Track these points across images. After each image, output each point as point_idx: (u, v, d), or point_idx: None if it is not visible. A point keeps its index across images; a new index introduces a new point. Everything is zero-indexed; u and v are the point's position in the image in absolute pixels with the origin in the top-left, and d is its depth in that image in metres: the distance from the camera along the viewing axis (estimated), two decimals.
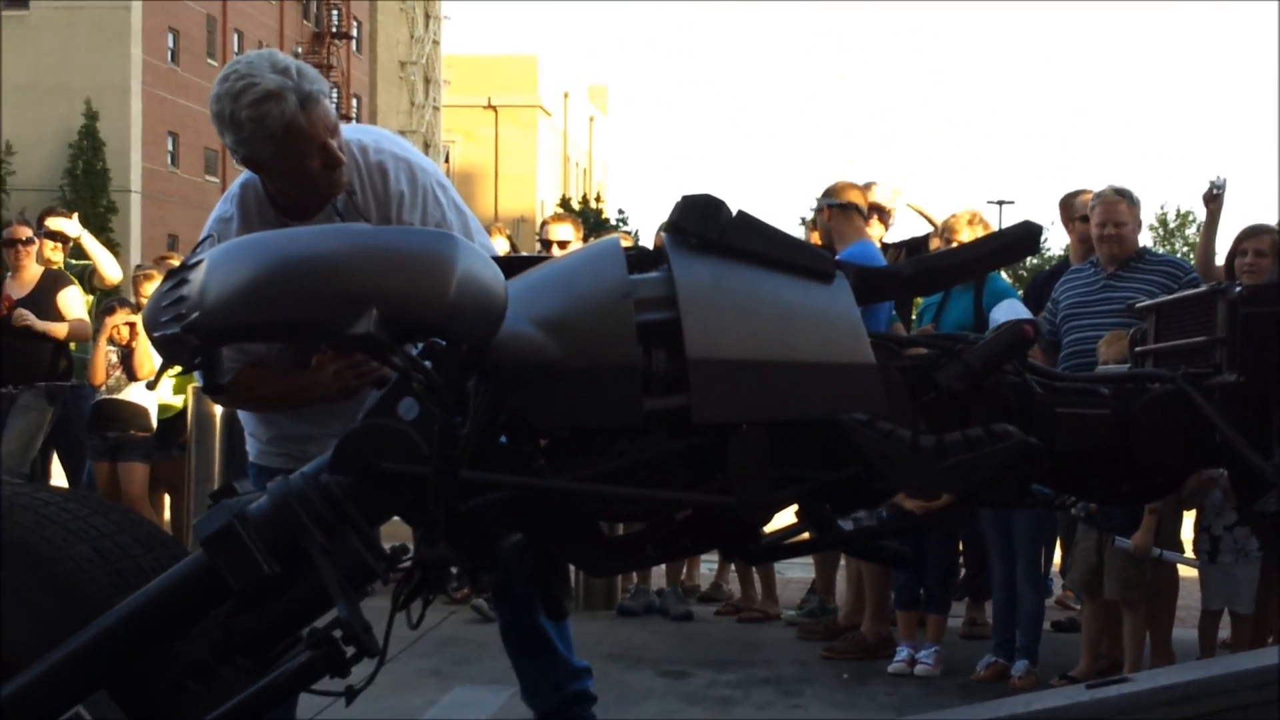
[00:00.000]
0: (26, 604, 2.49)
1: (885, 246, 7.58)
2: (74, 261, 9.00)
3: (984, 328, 5.94)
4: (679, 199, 2.68)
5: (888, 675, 6.14)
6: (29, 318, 8.17)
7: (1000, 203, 41.84)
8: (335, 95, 56.01)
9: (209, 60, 47.85)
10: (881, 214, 7.48)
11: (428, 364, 2.48)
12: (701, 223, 2.65)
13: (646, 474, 2.61)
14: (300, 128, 3.32)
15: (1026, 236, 2.82)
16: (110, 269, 8.99)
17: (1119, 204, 6.17)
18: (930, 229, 7.88)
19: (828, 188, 6.92)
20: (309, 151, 3.37)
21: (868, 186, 7.34)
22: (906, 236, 8.13)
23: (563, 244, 7.68)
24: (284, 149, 3.36)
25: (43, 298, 8.38)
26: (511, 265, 2.77)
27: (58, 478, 9.09)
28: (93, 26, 43.92)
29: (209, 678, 2.45)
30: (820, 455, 2.61)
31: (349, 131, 3.64)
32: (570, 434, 2.64)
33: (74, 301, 8.47)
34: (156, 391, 8.09)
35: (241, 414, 3.92)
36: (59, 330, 8.32)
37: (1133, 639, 5.67)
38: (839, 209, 6.75)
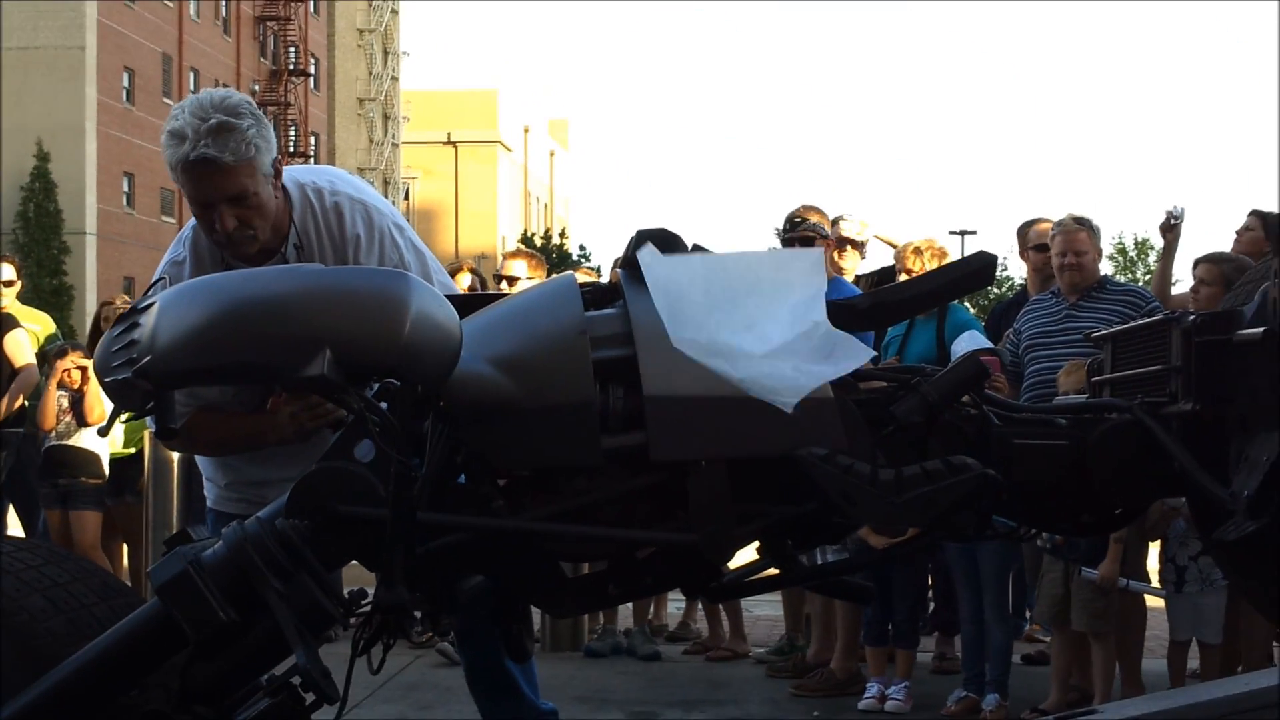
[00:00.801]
0: None
1: (858, 279, 7.56)
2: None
3: (946, 360, 5.94)
4: (633, 233, 2.68)
5: (858, 712, 6.12)
6: None
7: (963, 233, 41.96)
8: (293, 133, 55.97)
9: (164, 99, 47.66)
10: (855, 245, 7.45)
11: (383, 405, 2.46)
12: None
13: (607, 512, 2.60)
14: (202, 172, 3.28)
15: (982, 267, 2.82)
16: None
17: (1079, 233, 6.19)
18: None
19: (791, 216, 6.85)
20: (212, 202, 3.34)
21: (837, 220, 7.30)
22: (876, 268, 8.11)
23: (514, 281, 7.67)
24: (188, 193, 3.34)
25: None
26: (468, 303, 2.76)
27: (13, 527, 8.98)
28: (47, 67, 43.75)
29: None
30: (780, 490, 2.60)
31: (304, 173, 3.62)
32: (529, 473, 2.62)
33: (21, 345, 8.35)
34: (108, 438, 8.00)
35: (199, 459, 3.89)
36: (12, 398, 8.21)
37: (1102, 670, 5.67)
38: (806, 241, 6.66)
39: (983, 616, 6.06)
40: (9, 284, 8.66)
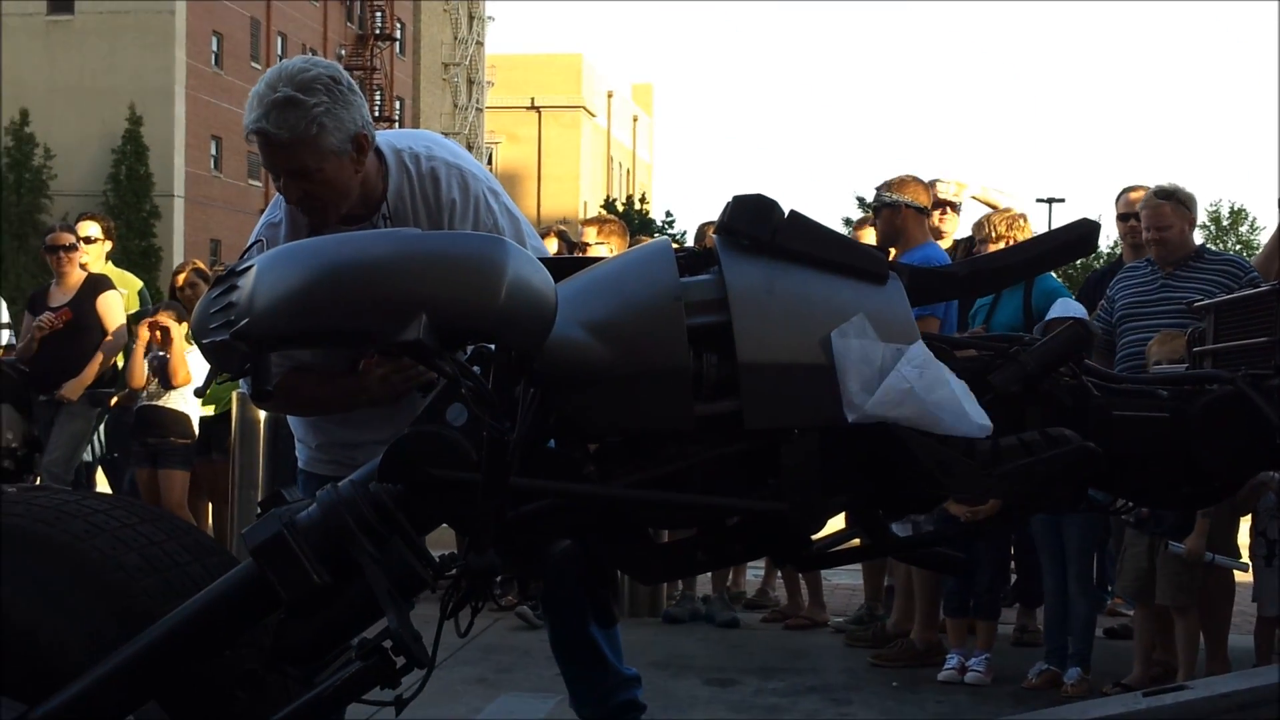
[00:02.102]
0: (77, 613, 2.47)
1: (956, 243, 7.45)
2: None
3: (1033, 327, 5.85)
4: (730, 199, 2.64)
5: (938, 683, 6.08)
6: (72, 391, 8.18)
7: (1050, 200, 41.43)
8: (379, 98, 56.29)
9: (253, 64, 48.11)
10: (952, 208, 7.34)
11: (476, 369, 2.46)
12: (753, 223, 2.60)
13: (697, 479, 2.58)
14: (264, 144, 3.31)
15: (1085, 235, 2.77)
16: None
17: (1162, 207, 6.07)
18: None
19: (887, 183, 6.71)
20: (275, 173, 3.37)
21: (932, 184, 7.17)
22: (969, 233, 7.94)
23: (587, 247, 7.66)
24: (262, 160, 3.36)
25: (84, 303, 8.43)
26: (561, 266, 2.74)
27: (103, 485, 9.13)
28: (137, 30, 44.30)
29: (259, 688, 2.44)
30: (872, 460, 2.57)
31: (400, 138, 3.62)
32: (620, 439, 2.61)
33: (114, 307, 8.51)
34: (198, 397, 8.12)
35: (291, 420, 3.92)
36: (96, 368, 8.33)
37: (1186, 646, 5.59)
38: (901, 208, 6.58)
39: (1066, 589, 6.00)
40: (90, 240, 8.77)
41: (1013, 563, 6.91)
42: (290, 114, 3.26)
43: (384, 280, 2.31)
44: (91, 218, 9.20)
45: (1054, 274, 7.34)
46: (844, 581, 8.64)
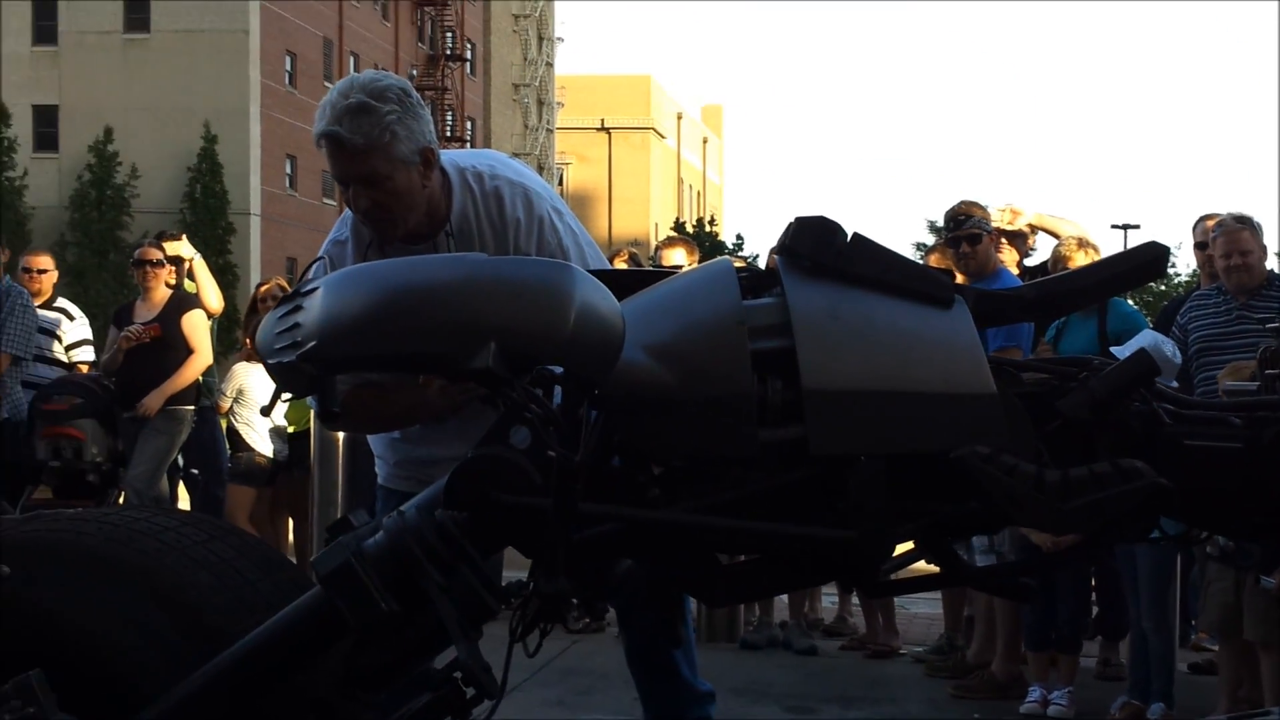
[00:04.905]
0: (151, 632, 2.49)
1: (1023, 271, 7.33)
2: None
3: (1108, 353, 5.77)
4: (792, 220, 2.63)
5: (1020, 716, 6.03)
6: (153, 403, 8.29)
7: (1125, 227, 41.00)
8: (449, 118, 56.66)
9: (326, 83, 48.51)
10: (1015, 238, 7.26)
11: (538, 391, 2.46)
12: (816, 246, 2.58)
13: (762, 505, 2.57)
14: (336, 150, 3.31)
15: (1154, 259, 2.73)
16: (213, 298, 9.10)
17: (1241, 232, 5.99)
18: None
19: (954, 214, 6.66)
20: (345, 180, 3.37)
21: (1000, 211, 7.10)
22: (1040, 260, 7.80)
23: (676, 270, 7.63)
24: (331, 169, 3.38)
25: (170, 320, 8.50)
26: (620, 281, 2.73)
27: (184, 501, 9.24)
28: (212, 50, 44.83)
29: (330, 715, 2.44)
30: (940, 487, 2.55)
31: (465, 157, 3.64)
32: (685, 463, 2.60)
33: (198, 326, 8.58)
34: (264, 415, 8.21)
35: (370, 438, 3.94)
36: (181, 382, 8.42)
37: (1274, 682, 5.45)
38: (973, 239, 6.51)
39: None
40: (175, 260, 8.86)
41: (1094, 594, 6.81)
42: (364, 120, 3.28)
43: (453, 307, 2.31)
44: (172, 235, 9.28)
45: (1130, 300, 7.24)
46: (923, 610, 8.56)
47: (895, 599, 7.16)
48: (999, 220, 7.15)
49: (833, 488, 2.51)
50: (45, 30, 45.70)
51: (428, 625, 2.36)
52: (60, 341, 8.83)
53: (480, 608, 2.38)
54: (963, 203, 6.73)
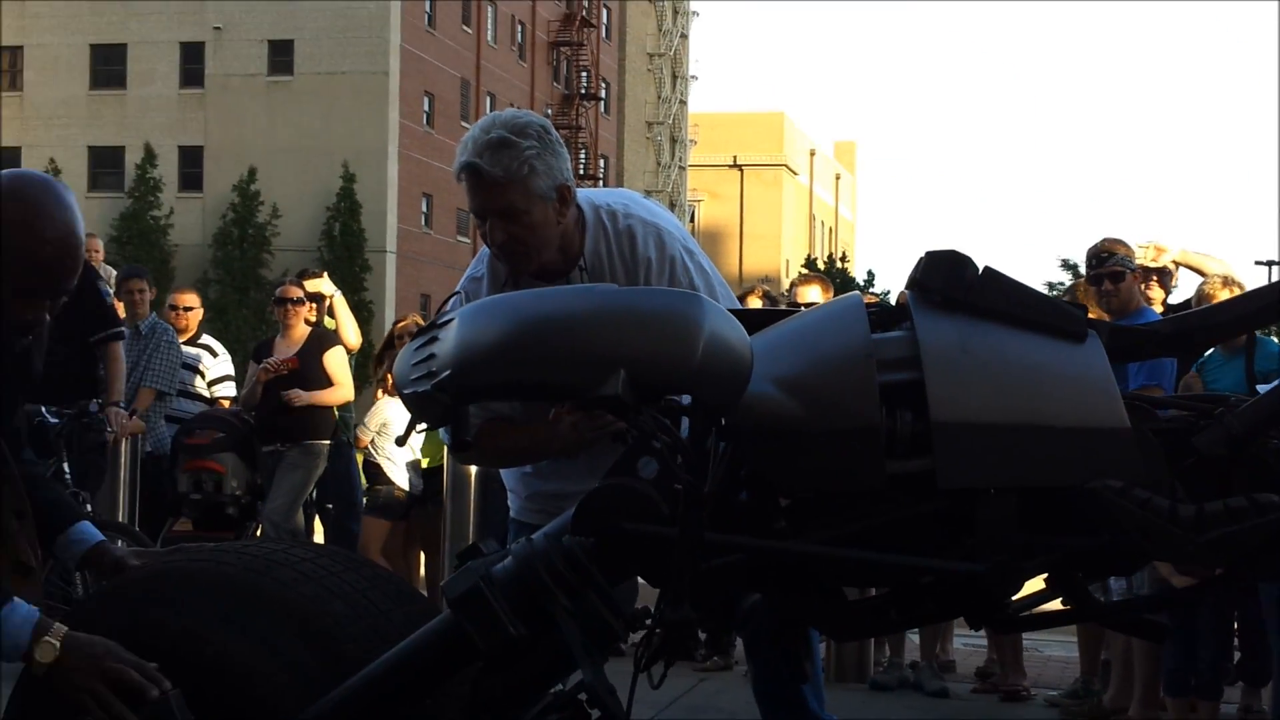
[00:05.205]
0: (288, 657, 2.56)
1: (1168, 310, 7.15)
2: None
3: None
4: (923, 255, 2.63)
5: None
6: (301, 397, 8.40)
7: (1270, 263, 39.98)
8: (584, 156, 57.18)
9: (463, 123, 49.24)
10: (1157, 276, 7.13)
11: (667, 421, 2.48)
12: (946, 280, 2.58)
13: (890, 537, 2.56)
14: (475, 183, 3.35)
15: None
16: (352, 335, 9.23)
17: None
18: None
19: (1096, 251, 6.53)
20: (482, 214, 3.42)
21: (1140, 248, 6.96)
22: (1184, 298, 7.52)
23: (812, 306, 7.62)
24: (470, 202, 3.43)
25: (310, 357, 8.56)
26: (750, 319, 2.75)
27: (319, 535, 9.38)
28: (352, 92, 45.76)
29: None
30: (1071, 521, 2.52)
31: (600, 196, 3.68)
32: (811, 494, 2.61)
33: (340, 362, 8.66)
34: (399, 446, 8.31)
35: (503, 472, 3.99)
36: (327, 399, 8.55)
37: None
38: (1116, 277, 6.40)
39: None
40: (315, 297, 8.99)
41: (1237, 639, 6.63)
42: (504, 154, 3.34)
43: (585, 336, 2.35)
44: (314, 274, 9.42)
45: (1275, 339, 7.05)
46: (1057, 654, 8.40)
47: (1028, 641, 7.01)
48: (1142, 257, 7.00)
49: (960, 521, 2.50)
50: (192, 73, 47.07)
51: (554, 649, 2.38)
52: (203, 377, 9.02)
53: (606, 632, 2.40)
54: (1106, 240, 6.61)
